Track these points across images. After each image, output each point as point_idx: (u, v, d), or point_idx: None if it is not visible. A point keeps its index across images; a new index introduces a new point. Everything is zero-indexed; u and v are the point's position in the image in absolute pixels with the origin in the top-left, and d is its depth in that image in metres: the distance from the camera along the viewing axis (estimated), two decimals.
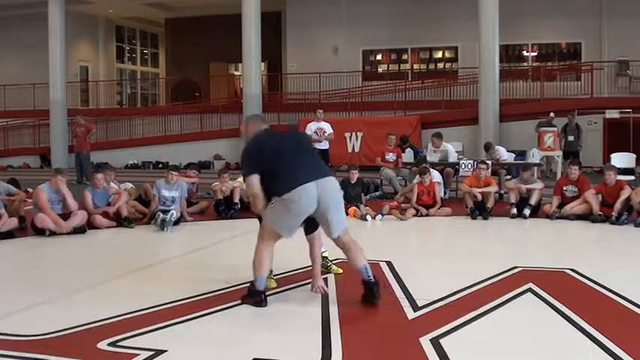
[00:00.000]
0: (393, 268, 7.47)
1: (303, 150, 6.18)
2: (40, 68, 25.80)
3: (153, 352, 4.76)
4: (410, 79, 25.61)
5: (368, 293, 5.95)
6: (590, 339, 5.03)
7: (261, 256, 6.00)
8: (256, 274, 6.00)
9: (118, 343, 4.98)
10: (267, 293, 6.20)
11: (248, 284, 6.14)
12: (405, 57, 27.08)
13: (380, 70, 27.27)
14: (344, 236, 6.04)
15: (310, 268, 6.49)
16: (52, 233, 10.08)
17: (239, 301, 6.07)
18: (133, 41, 34.80)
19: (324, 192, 5.85)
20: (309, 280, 6.45)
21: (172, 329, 5.35)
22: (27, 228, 10.50)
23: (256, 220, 6.41)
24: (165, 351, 4.80)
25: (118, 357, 4.74)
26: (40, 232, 10.13)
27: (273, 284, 6.64)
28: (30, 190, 12.19)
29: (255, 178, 5.93)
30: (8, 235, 9.97)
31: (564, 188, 11.76)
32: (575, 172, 11.70)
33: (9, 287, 7.06)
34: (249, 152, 6.12)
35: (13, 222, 10.24)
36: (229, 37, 25.31)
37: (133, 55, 35.08)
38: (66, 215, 10.43)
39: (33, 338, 5.12)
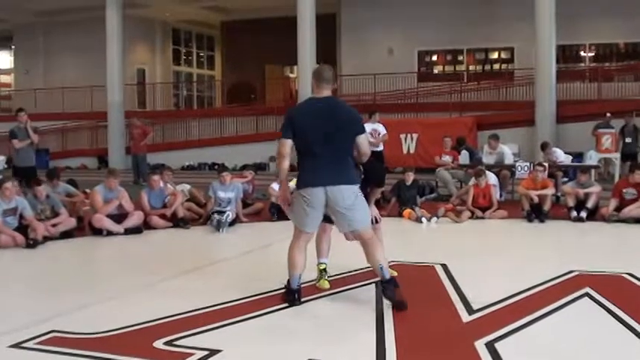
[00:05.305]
0: (448, 270, 7.42)
1: (334, 139, 5.80)
2: (98, 71, 26.13)
3: (208, 352, 4.80)
4: (465, 80, 25.38)
5: (382, 293, 5.92)
6: None
7: (290, 255, 6.04)
8: (289, 272, 6.04)
9: (173, 343, 5.03)
10: (320, 294, 6.22)
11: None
12: (460, 58, 26.88)
13: (435, 71, 27.12)
14: (364, 233, 5.94)
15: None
16: (109, 233, 10.26)
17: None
18: (189, 44, 35.12)
19: (330, 199, 5.79)
20: (364, 282, 6.41)
21: (228, 329, 5.39)
22: (84, 228, 10.70)
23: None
24: (220, 351, 4.83)
25: (173, 356, 4.79)
26: (97, 232, 10.32)
27: (326, 285, 6.63)
28: (88, 190, 12.41)
29: (286, 144, 5.86)
30: (67, 234, 10.19)
31: (624, 191, 11.54)
32: (638, 176, 11.45)
33: (68, 286, 7.19)
34: (288, 116, 6.01)
35: (72, 222, 10.45)
36: (285, 40, 25.30)
37: (189, 58, 35.40)
38: (122, 216, 10.61)
39: (92, 336, 5.21)
